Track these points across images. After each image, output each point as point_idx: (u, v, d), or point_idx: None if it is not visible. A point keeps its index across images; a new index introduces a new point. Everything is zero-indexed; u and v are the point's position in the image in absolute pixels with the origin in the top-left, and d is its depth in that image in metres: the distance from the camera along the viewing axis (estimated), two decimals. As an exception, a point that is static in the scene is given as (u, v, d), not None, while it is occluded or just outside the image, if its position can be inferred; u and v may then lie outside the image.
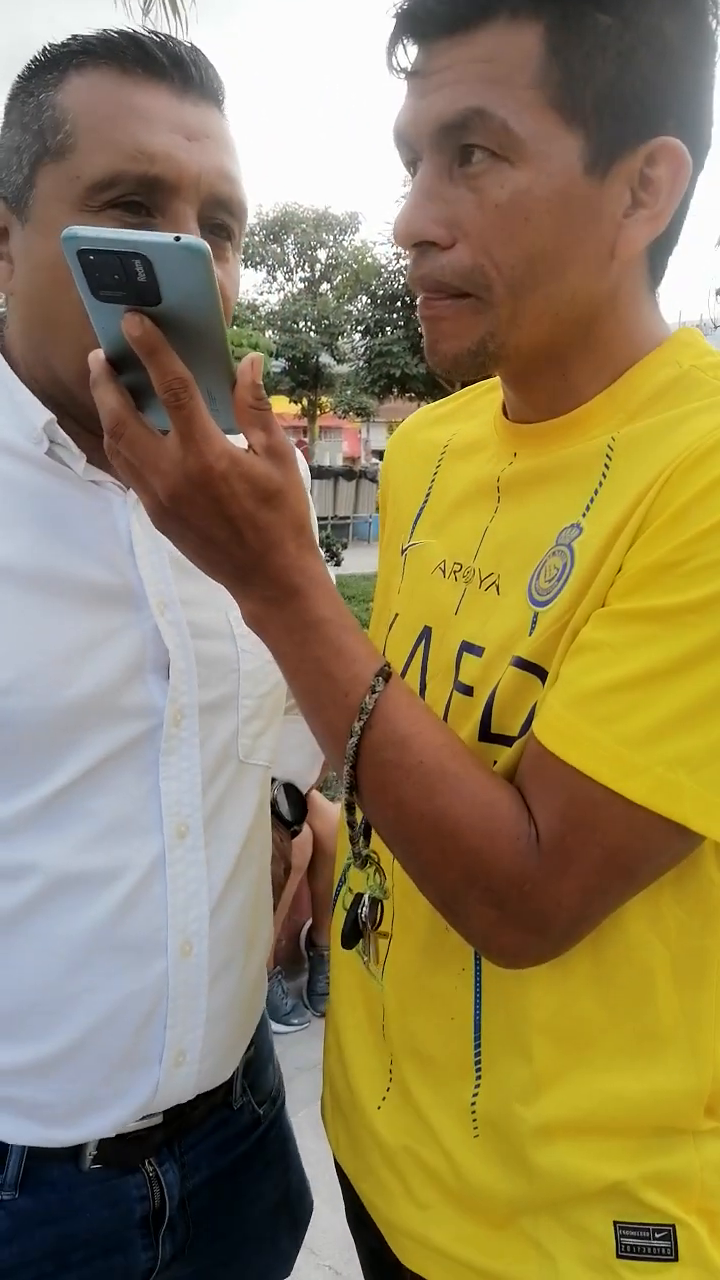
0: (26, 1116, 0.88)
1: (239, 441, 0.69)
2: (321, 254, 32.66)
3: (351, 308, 27.28)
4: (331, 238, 32.41)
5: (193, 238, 0.61)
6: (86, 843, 0.86)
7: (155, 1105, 0.92)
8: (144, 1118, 0.92)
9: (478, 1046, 0.81)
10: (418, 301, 0.77)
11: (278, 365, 26.33)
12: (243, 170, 0.87)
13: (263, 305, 30.72)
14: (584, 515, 0.74)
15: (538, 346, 0.76)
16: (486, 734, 0.77)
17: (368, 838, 0.81)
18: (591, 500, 0.74)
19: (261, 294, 32.32)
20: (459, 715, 0.81)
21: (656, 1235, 0.77)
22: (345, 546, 13.89)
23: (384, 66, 0.74)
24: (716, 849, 0.74)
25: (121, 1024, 0.87)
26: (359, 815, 0.76)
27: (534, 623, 0.75)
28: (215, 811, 0.94)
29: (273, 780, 1.24)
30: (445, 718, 0.82)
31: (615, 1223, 0.78)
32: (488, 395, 0.96)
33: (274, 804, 1.23)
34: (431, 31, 0.70)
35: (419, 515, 0.96)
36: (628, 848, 0.67)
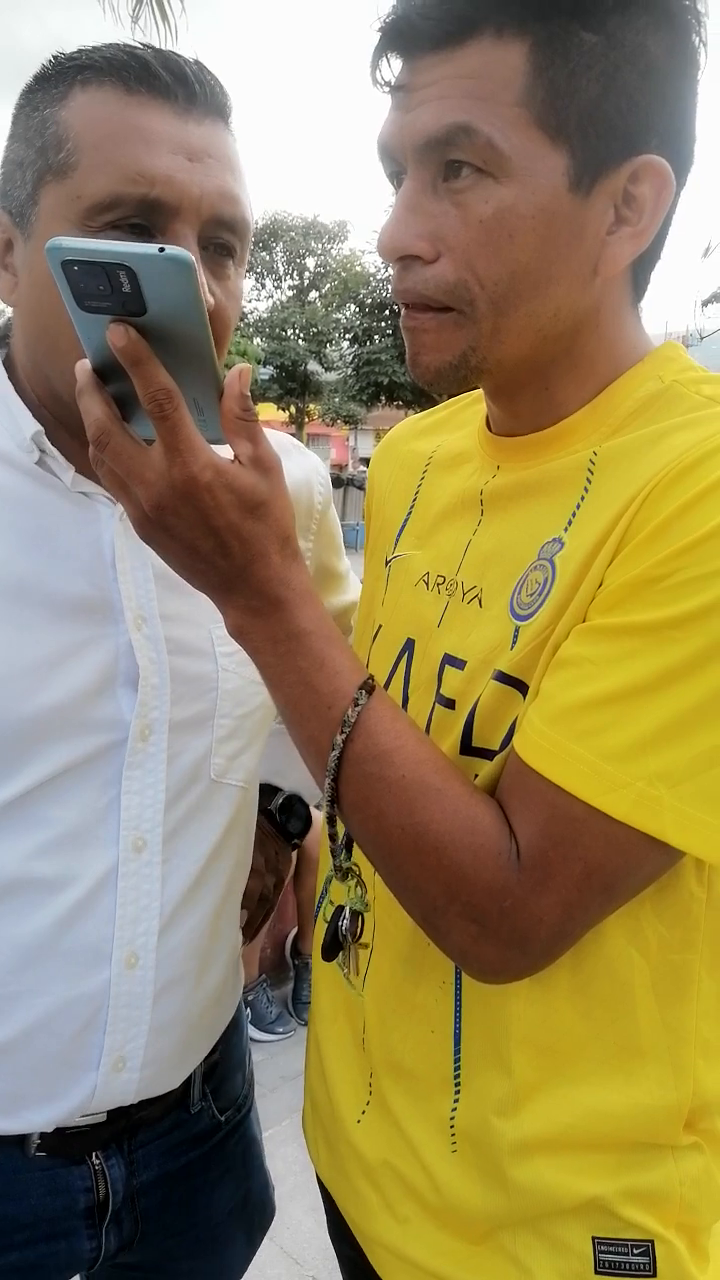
0: None
1: (225, 453, 0.69)
2: (310, 262, 32.73)
3: (339, 316, 27.37)
4: (320, 246, 32.49)
5: (177, 249, 0.61)
6: (40, 850, 0.86)
7: (94, 1106, 0.93)
8: (85, 1115, 0.94)
9: (457, 1060, 0.81)
10: (401, 314, 0.77)
11: (265, 372, 26.35)
12: (246, 185, 0.86)
13: (251, 313, 30.75)
14: (566, 529, 0.74)
15: (520, 361, 0.76)
16: (468, 747, 0.77)
17: (349, 851, 0.80)
18: (574, 514, 0.74)
19: (250, 301, 32.36)
20: (440, 728, 0.81)
21: (635, 1251, 0.77)
22: (332, 553, 13.84)
23: (368, 80, 0.74)
24: (697, 864, 0.74)
25: (59, 1027, 0.89)
26: (340, 828, 0.76)
27: (515, 636, 0.75)
28: (178, 828, 0.94)
29: (277, 790, 1.23)
30: (427, 730, 0.82)
31: (594, 1238, 0.77)
32: (473, 407, 0.97)
33: (274, 816, 1.22)
34: (417, 47, 0.70)
35: (403, 527, 0.96)
36: (608, 863, 0.66)
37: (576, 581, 0.71)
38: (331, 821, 0.75)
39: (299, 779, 1.24)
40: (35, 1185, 0.94)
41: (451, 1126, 0.81)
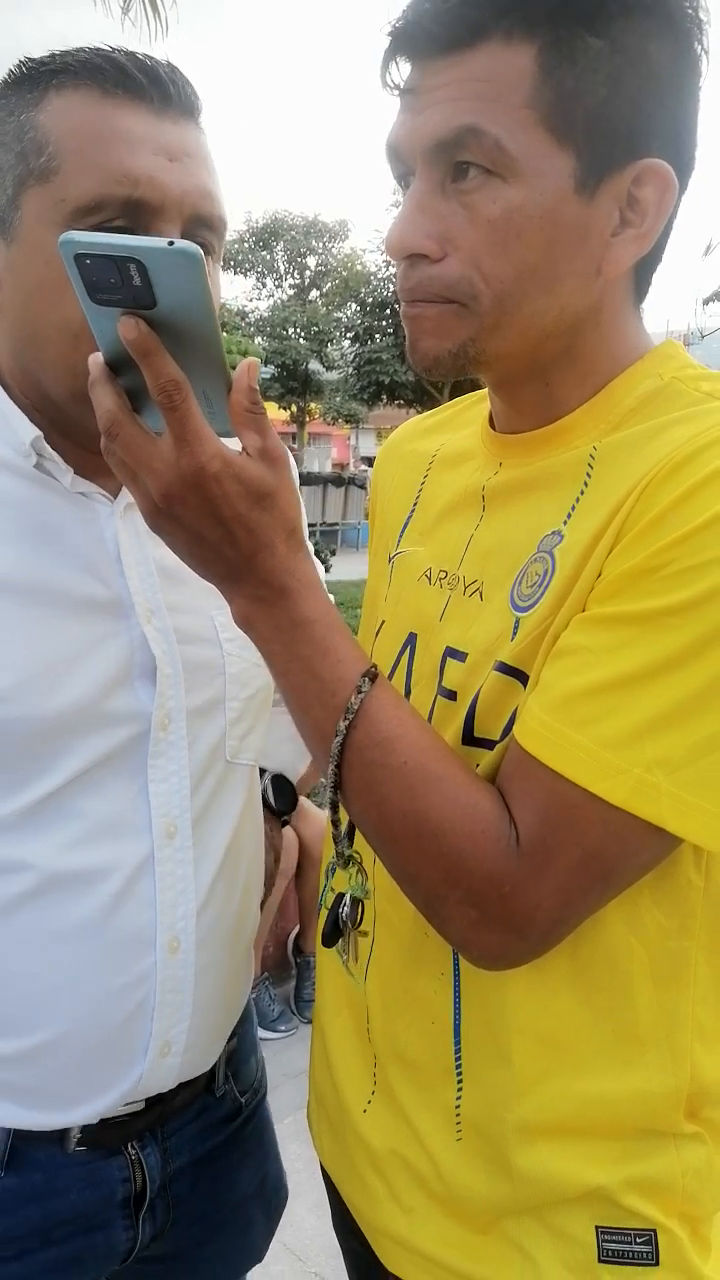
0: (13, 1101, 0.90)
1: (234, 445, 0.70)
2: (311, 261, 32.74)
3: (341, 315, 27.36)
4: (321, 245, 32.51)
5: (185, 242, 0.62)
6: (77, 842, 0.88)
7: (139, 1094, 0.94)
8: (126, 1104, 0.95)
9: (458, 1051, 0.81)
10: (402, 307, 0.78)
11: (267, 371, 26.36)
12: (220, 182, 0.88)
13: (252, 312, 30.76)
14: (565, 522, 0.75)
15: (519, 356, 0.77)
16: (469, 738, 0.78)
17: (351, 838, 0.82)
18: (573, 508, 0.75)
19: (251, 300, 32.38)
20: (442, 720, 0.82)
21: (638, 1240, 0.78)
22: (334, 553, 13.89)
23: (377, 79, 0.75)
24: (694, 851, 0.75)
25: (110, 1017, 0.90)
26: (343, 815, 0.77)
27: (516, 628, 0.76)
28: (203, 812, 0.96)
29: (262, 771, 1.26)
30: (429, 722, 0.82)
31: (597, 1227, 0.78)
32: (476, 407, 0.98)
33: (264, 794, 1.26)
34: (427, 50, 0.71)
35: (406, 524, 0.97)
36: (606, 849, 0.67)
37: (576, 573, 0.72)
38: (334, 808, 0.76)
39: (282, 757, 1.28)
40: (75, 1180, 0.95)
41: (457, 1114, 0.82)
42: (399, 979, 0.86)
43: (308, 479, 18.51)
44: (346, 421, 29.22)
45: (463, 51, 0.69)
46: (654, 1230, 0.78)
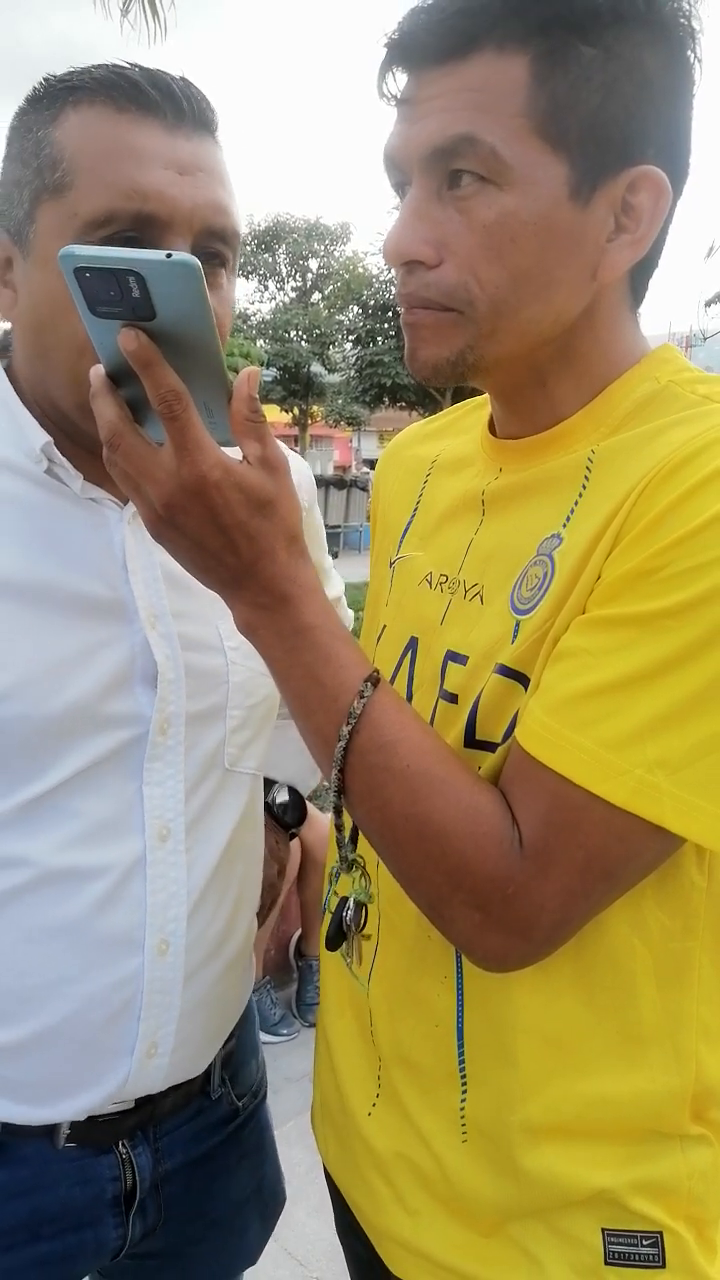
0: (0, 1093, 0.91)
1: (235, 454, 0.71)
2: (313, 264, 32.78)
3: (343, 317, 27.39)
4: (323, 248, 32.55)
5: (183, 254, 0.63)
6: (72, 841, 0.89)
7: (126, 1094, 0.95)
8: (115, 1103, 0.95)
9: (461, 1055, 0.82)
10: (401, 313, 0.79)
11: (269, 374, 26.39)
12: (235, 195, 0.89)
13: (254, 315, 30.80)
14: (564, 525, 0.76)
15: (517, 360, 0.78)
16: (471, 741, 0.78)
17: (355, 842, 0.82)
18: (571, 511, 0.76)
19: (253, 303, 32.43)
20: (444, 723, 0.82)
21: (644, 1243, 0.78)
22: (336, 555, 13.84)
23: (374, 91, 0.76)
24: (697, 852, 0.75)
25: (96, 1014, 0.90)
26: (347, 819, 0.77)
27: (516, 631, 0.76)
28: (199, 816, 0.97)
29: (273, 783, 1.26)
30: (431, 725, 0.82)
31: (603, 1230, 0.78)
32: (476, 413, 0.98)
33: (272, 806, 1.26)
34: (422, 61, 0.72)
35: (407, 529, 0.98)
36: (608, 850, 0.68)
37: (575, 575, 0.72)
38: (338, 812, 0.76)
39: (293, 771, 1.29)
40: (64, 1176, 0.96)
41: (461, 1117, 0.82)
42: (403, 982, 0.86)
43: (308, 482, 18.44)
44: (349, 424, 29.24)
45: (457, 61, 0.70)
46: (660, 1233, 0.78)
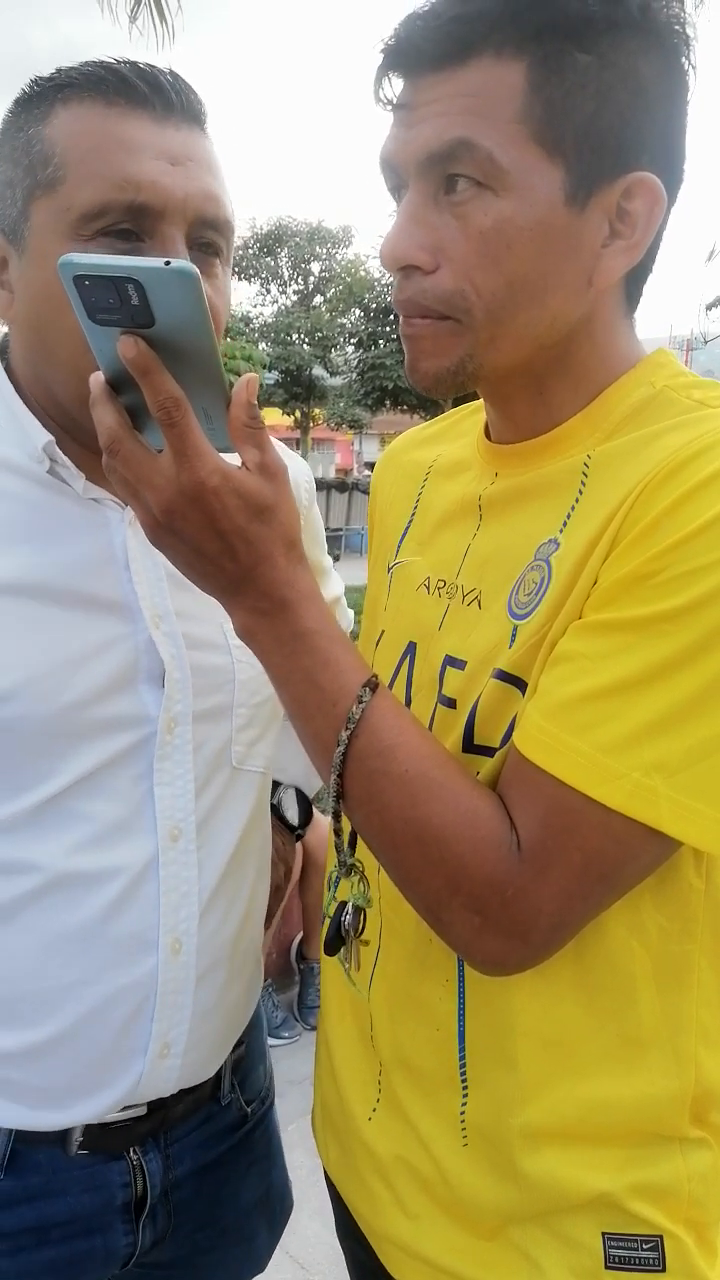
0: (15, 1100, 0.91)
1: (234, 460, 0.71)
2: (315, 267, 32.78)
3: (344, 320, 27.41)
4: (325, 251, 32.54)
5: (182, 262, 0.63)
6: (83, 844, 0.89)
7: (139, 1096, 0.95)
8: (127, 1108, 0.95)
9: (462, 1058, 0.82)
10: (400, 321, 0.79)
11: (271, 377, 26.39)
12: (228, 186, 0.89)
13: (256, 318, 30.79)
14: (561, 530, 0.76)
15: (515, 367, 0.78)
16: (469, 745, 0.79)
17: (354, 846, 0.82)
18: (568, 516, 0.76)
19: (255, 306, 32.41)
20: (443, 728, 0.82)
21: (644, 1246, 0.78)
22: (337, 558, 13.84)
23: (371, 93, 0.76)
24: (695, 856, 0.75)
25: (110, 1016, 0.91)
26: (345, 824, 0.77)
27: (514, 635, 0.77)
28: (208, 816, 0.97)
29: (278, 785, 1.26)
30: (430, 730, 0.83)
31: (604, 1233, 0.78)
32: (472, 418, 0.99)
33: (278, 808, 1.25)
34: (419, 67, 0.73)
35: (404, 534, 0.98)
36: (606, 853, 0.68)
37: (572, 580, 0.72)
38: (337, 817, 0.76)
39: (297, 772, 1.28)
40: (74, 1182, 0.95)
41: (462, 1120, 0.82)
42: (404, 986, 0.86)
43: (311, 484, 18.44)
44: (350, 427, 29.22)
45: (454, 67, 0.71)
46: (660, 1236, 0.78)
